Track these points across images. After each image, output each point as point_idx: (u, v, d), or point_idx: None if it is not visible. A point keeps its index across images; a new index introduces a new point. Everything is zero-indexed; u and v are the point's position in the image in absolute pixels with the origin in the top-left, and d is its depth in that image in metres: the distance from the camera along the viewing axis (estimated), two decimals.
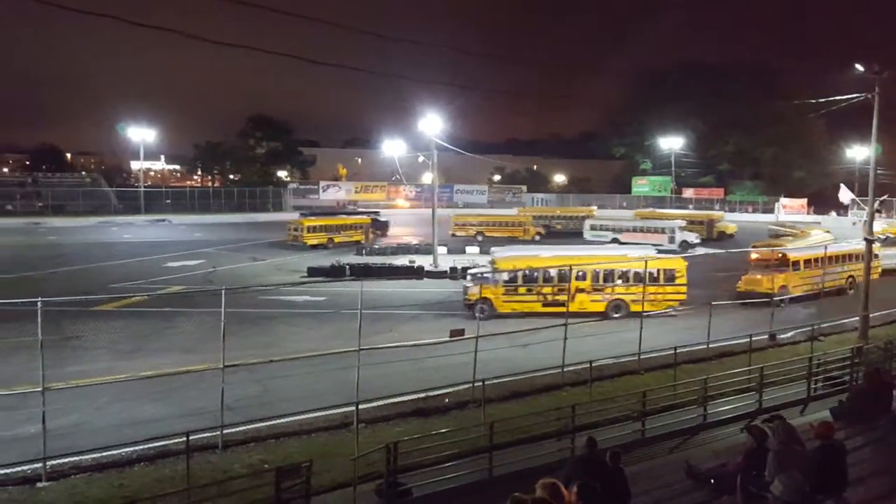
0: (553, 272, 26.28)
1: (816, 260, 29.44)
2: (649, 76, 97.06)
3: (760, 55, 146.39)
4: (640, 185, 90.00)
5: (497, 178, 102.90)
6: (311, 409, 15.03)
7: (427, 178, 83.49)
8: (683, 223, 50.31)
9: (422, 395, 16.36)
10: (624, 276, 26.76)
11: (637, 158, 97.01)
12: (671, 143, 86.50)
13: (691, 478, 10.51)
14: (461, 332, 17.77)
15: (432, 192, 42.47)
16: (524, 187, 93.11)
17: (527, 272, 26.56)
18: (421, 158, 73.13)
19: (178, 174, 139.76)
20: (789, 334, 23.09)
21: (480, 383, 15.75)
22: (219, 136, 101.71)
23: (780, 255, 30.06)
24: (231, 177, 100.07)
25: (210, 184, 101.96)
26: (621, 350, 19.73)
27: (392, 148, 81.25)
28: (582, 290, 26.12)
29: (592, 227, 52.38)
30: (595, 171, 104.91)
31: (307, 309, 27.89)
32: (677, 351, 18.95)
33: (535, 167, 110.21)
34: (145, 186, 79.61)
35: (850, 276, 30.37)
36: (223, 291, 14.36)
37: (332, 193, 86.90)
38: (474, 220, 56.68)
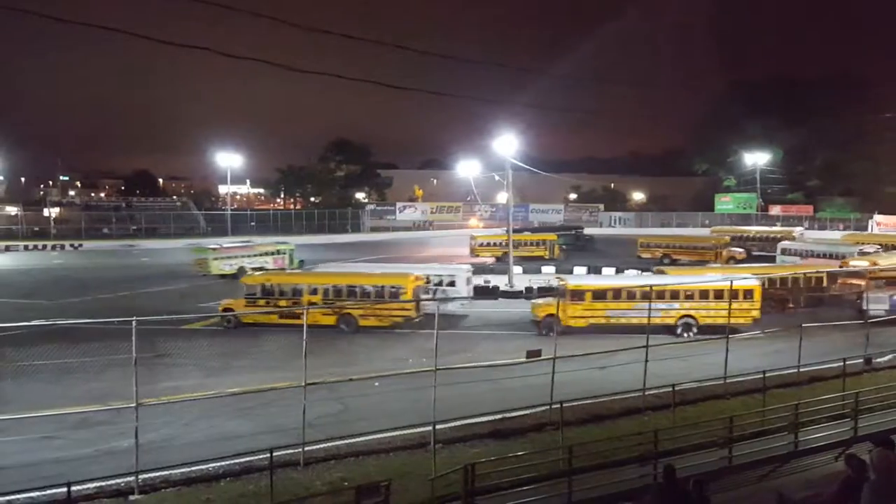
0: (288, 287, 28.71)
1: (621, 292, 26.44)
2: (732, 90, 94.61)
3: (849, 67, 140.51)
4: (724, 203, 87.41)
5: (573, 196, 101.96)
6: (388, 428, 15.14)
7: (502, 197, 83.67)
8: (875, 248, 42.52)
9: (498, 416, 16.26)
10: (352, 291, 28.44)
11: (720, 175, 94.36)
12: (756, 159, 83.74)
13: None
14: (538, 353, 17.57)
15: (507, 211, 42.48)
16: (601, 206, 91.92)
17: (267, 286, 28.88)
18: (497, 177, 73.48)
19: (263, 197, 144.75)
20: (886, 358, 21.85)
21: (558, 406, 15.53)
22: (301, 160, 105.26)
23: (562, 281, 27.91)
24: (312, 199, 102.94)
25: (292, 206, 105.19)
26: (706, 373, 19.08)
27: (467, 168, 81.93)
28: (315, 304, 27.22)
29: (783, 252, 45.85)
30: (675, 188, 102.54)
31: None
32: (766, 375, 18.22)
33: (612, 185, 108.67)
34: (232, 209, 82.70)
35: (687, 316, 25.64)
36: (304, 311, 14.72)
37: (409, 214, 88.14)
38: (661, 242, 53.12)
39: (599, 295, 26.47)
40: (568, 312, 26.06)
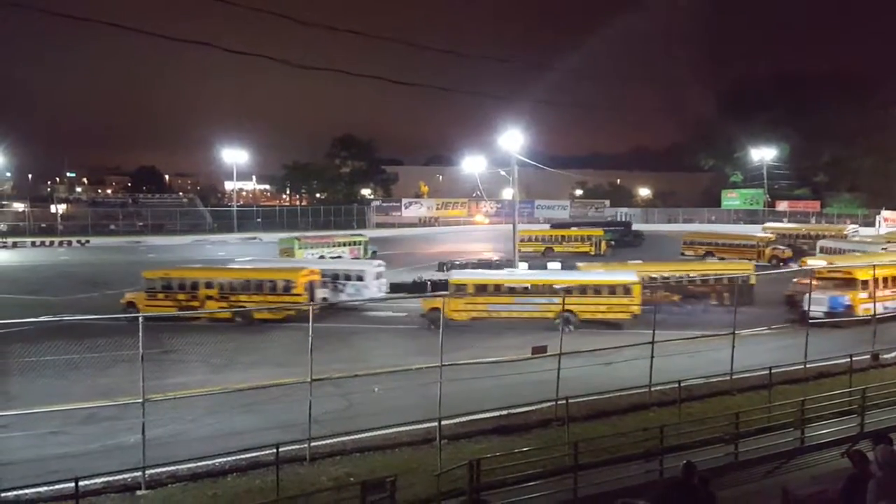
0: (187, 281, 29.85)
1: (501, 286, 27.40)
2: (739, 86, 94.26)
3: (857, 61, 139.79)
4: (731, 199, 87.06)
5: (579, 192, 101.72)
6: (394, 423, 15.17)
7: (507, 193, 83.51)
8: None
9: (504, 412, 16.25)
10: (246, 285, 29.43)
11: (726, 170, 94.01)
12: (763, 155, 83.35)
13: None
14: (543, 350, 17.57)
15: (513, 207, 42.43)
16: (607, 202, 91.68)
17: (166, 280, 30.06)
18: (502, 173, 73.41)
19: (269, 194, 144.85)
20: (894, 354, 21.74)
21: (564, 401, 15.53)
22: (307, 156, 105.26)
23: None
24: (318, 195, 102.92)
25: (298, 203, 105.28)
26: (712, 369, 19.02)
27: (472, 164, 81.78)
28: (211, 298, 28.73)
29: (822, 250, 42.86)
30: (681, 184, 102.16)
31: (390, 324, 28.27)
32: (772, 371, 18.17)
33: (618, 181, 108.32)
34: (238, 206, 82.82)
35: (567, 311, 25.31)
36: (310, 308, 14.74)
37: (414, 210, 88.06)
38: (704, 239, 50.20)
39: (481, 289, 27.24)
40: (451, 306, 26.68)
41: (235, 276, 30.36)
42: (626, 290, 26.78)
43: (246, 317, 27.70)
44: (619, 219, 75.46)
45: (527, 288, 27.29)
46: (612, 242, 54.38)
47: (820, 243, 45.35)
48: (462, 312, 26.71)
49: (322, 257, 45.35)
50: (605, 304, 26.08)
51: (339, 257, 45.92)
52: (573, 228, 58.64)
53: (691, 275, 29.81)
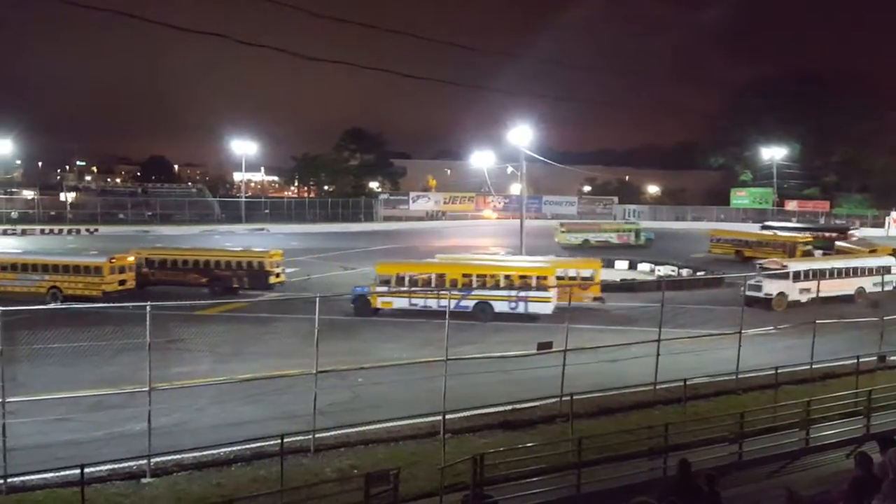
0: None
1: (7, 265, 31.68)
2: (751, 85, 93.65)
3: (869, 61, 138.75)
4: (740, 197, 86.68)
5: (587, 189, 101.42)
6: (399, 416, 15.20)
7: (515, 189, 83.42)
8: None
9: (508, 407, 16.26)
10: None
11: (736, 169, 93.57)
12: (773, 154, 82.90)
13: None
14: (549, 345, 17.55)
15: (521, 203, 42.38)
16: (615, 199, 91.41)
17: None
18: (510, 169, 73.30)
19: (277, 185, 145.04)
20: None
21: (568, 398, 15.51)
22: (315, 148, 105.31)
23: None
24: (326, 188, 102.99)
25: (306, 195, 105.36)
26: (718, 368, 18.98)
27: (480, 159, 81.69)
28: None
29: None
30: (690, 181, 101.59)
31: (395, 317, 28.27)
32: (778, 371, 18.11)
33: (626, 178, 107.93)
34: (246, 197, 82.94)
35: (54, 288, 30.49)
36: (317, 299, 14.75)
37: (422, 204, 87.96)
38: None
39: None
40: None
41: None
42: (97, 270, 30.36)
43: None
44: (826, 223, 64.76)
45: (25, 266, 31.41)
46: (824, 252, 43.63)
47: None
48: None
49: (586, 240, 52.26)
50: (82, 283, 30.38)
51: (606, 242, 52.31)
52: (776, 233, 49.87)
53: (221, 260, 33.89)
